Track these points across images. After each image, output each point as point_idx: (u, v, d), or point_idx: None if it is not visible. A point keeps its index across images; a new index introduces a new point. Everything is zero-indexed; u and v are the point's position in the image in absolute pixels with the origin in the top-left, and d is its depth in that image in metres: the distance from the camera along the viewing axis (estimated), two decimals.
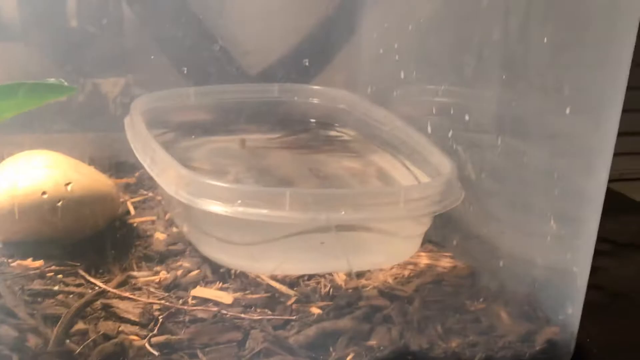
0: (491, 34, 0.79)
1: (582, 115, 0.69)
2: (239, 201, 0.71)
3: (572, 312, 0.72)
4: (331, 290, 0.74)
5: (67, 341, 0.64)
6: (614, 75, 0.66)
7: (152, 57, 0.97)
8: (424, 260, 0.81)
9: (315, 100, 1.01)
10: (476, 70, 0.83)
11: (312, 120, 1.02)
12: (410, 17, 0.93)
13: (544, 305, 0.74)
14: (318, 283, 0.75)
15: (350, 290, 0.74)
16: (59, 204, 0.73)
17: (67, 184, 0.73)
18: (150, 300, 0.70)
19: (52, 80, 0.57)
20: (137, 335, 0.66)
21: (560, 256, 0.73)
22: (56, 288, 0.70)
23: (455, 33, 0.86)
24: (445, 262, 0.81)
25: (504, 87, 0.78)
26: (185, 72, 0.96)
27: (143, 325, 0.67)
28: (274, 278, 0.75)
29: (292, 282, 0.75)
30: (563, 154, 0.72)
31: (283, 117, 1.01)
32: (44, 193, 0.73)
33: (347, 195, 0.76)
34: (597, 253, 0.94)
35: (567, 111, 0.69)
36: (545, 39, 0.72)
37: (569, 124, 0.70)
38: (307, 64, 1.00)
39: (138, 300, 0.70)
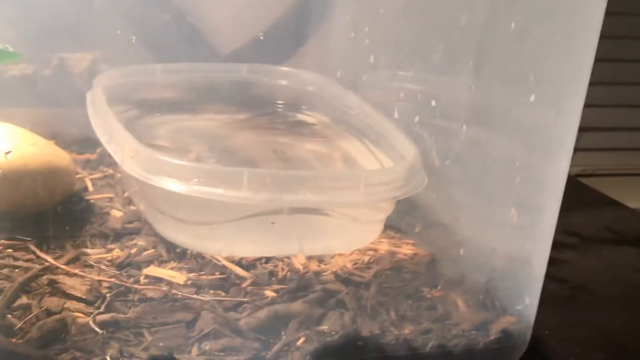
0: (459, 19, 0.78)
1: (544, 105, 0.69)
2: (195, 180, 0.70)
3: (529, 302, 0.71)
4: (288, 274, 0.73)
5: (8, 315, 0.62)
6: (577, 67, 0.65)
7: (119, 32, 0.96)
8: (384, 246, 0.80)
9: (284, 82, 1.00)
10: (444, 56, 0.82)
11: (280, 102, 1.00)
12: (382, 1, 0.92)
13: (501, 294, 0.73)
14: (275, 266, 0.74)
15: (307, 275, 0.73)
16: None
17: (7, 153, 0.72)
18: (100, 278, 0.69)
19: None
20: (82, 312, 0.64)
21: (519, 246, 0.73)
22: (3, 262, 0.69)
23: (425, 18, 0.85)
24: (407, 249, 0.80)
25: (471, 75, 0.78)
26: (133, 40, 0.94)
27: (89, 303, 0.66)
28: (230, 260, 0.73)
29: (249, 265, 0.74)
30: (525, 144, 0.72)
31: (251, 98, 0.99)
32: None
33: (306, 177, 0.74)
34: (563, 246, 0.95)
35: (532, 99, 0.69)
36: (513, 24, 0.71)
37: (532, 113, 0.69)
38: (261, 37, 0.99)
39: (87, 277, 0.69)
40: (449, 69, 0.81)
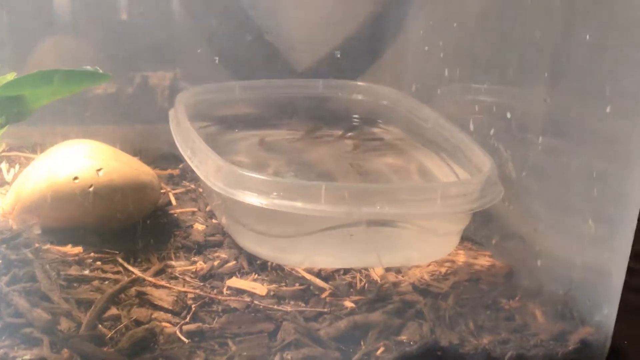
0: (534, 32, 0.79)
1: (622, 117, 0.69)
2: (275, 193, 0.72)
3: (608, 313, 0.71)
4: (366, 285, 0.74)
5: (99, 326, 0.65)
6: None
7: (199, 50, 0.98)
8: (461, 258, 0.81)
9: (360, 97, 1.01)
10: (519, 69, 0.82)
11: (356, 116, 1.02)
12: (455, 15, 0.92)
13: (579, 305, 0.73)
14: (354, 278, 0.75)
15: (385, 286, 0.74)
16: (90, 189, 0.74)
17: (99, 170, 0.75)
18: (185, 289, 0.71)
19: (87, 67, 0.58)
20: (169, 322, 0.67)
21: (598, 256, 0.72)
22: (92, 274, 0.71)
23: (499, 32, 0.85)
24: (484, 261, 0.81)
25: (546, 87, 0.78)
26: (216, 61, 0.96)
27: (176, 313, 0.68)
28: (309, 271, 0.75)
29: (328, 276, 0.75)
30: (602, 155, 0.72)
31: (327, 113, 1.01)
32: (75, 178, 0.74)
33: (383, 190, 0.76)
34: None
35: (608, 110, 0.69)
36: (588, 36, 0.71)
37: (609, 125, 0.69)
38: (338, 55, 1.00)
39: (173, 289, 0.71)
40: (524, 81, 0.81)
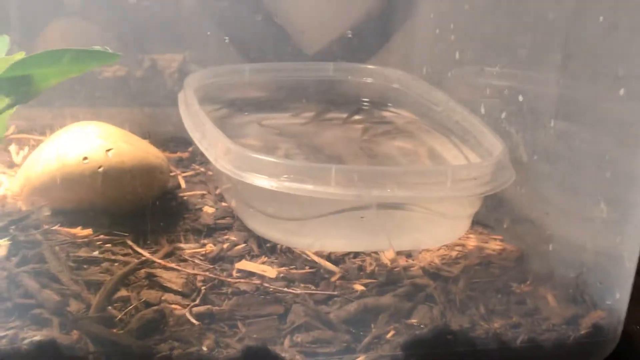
0: (546, 14, 0.78)
1: (635, 99, 0.68)
2: (285, 176, 0.71)
3: (620, 297, 0.71)
4: (376, 268, 0.74)
5: (109, 307, 0.65)
6: None
7: (209, 33, 0.98)
8: (472, 242, 0.81)
9: (370, 80, 1.01)
10: (531, 51, 0.81)
11: (366, 99, 1.01)
12: None
13: (591, 289, 0.73)
14: (363, 261, 0.75)
15: (396, 269, 0.74)
16: (100, 169, 0.74)
17: (108, 150, 0.75)
18: (195, 272, 0.71)
19: (96, 47, 0.58)
20: (178, 304, 0.67)
21: (610, 240, 0.72)
22: (102, 256, 0.71)
23: (511, 13, 0.85)
24: (495, 245, 0.80)
25: (559, 69, 0.77)
26: (226, 41, 0.96)
27: (185, 295, 0.68)
28: (319, 255, 0.75)
29: (338, 260, 0.75)
30: (615, 138, 0.71)
31: (337, 96, 1.01)
32: (85, 158, 0.74)
33: (393, 173, 0.75)
34: None
35: (621, 92, 0.68)
36: (601, 18, 0.70)
37: (621, 107, 0.69)
38: (350, 35, 1.00)
39: (182, 271, 0.71)
40: (536, 63, 0.81)
